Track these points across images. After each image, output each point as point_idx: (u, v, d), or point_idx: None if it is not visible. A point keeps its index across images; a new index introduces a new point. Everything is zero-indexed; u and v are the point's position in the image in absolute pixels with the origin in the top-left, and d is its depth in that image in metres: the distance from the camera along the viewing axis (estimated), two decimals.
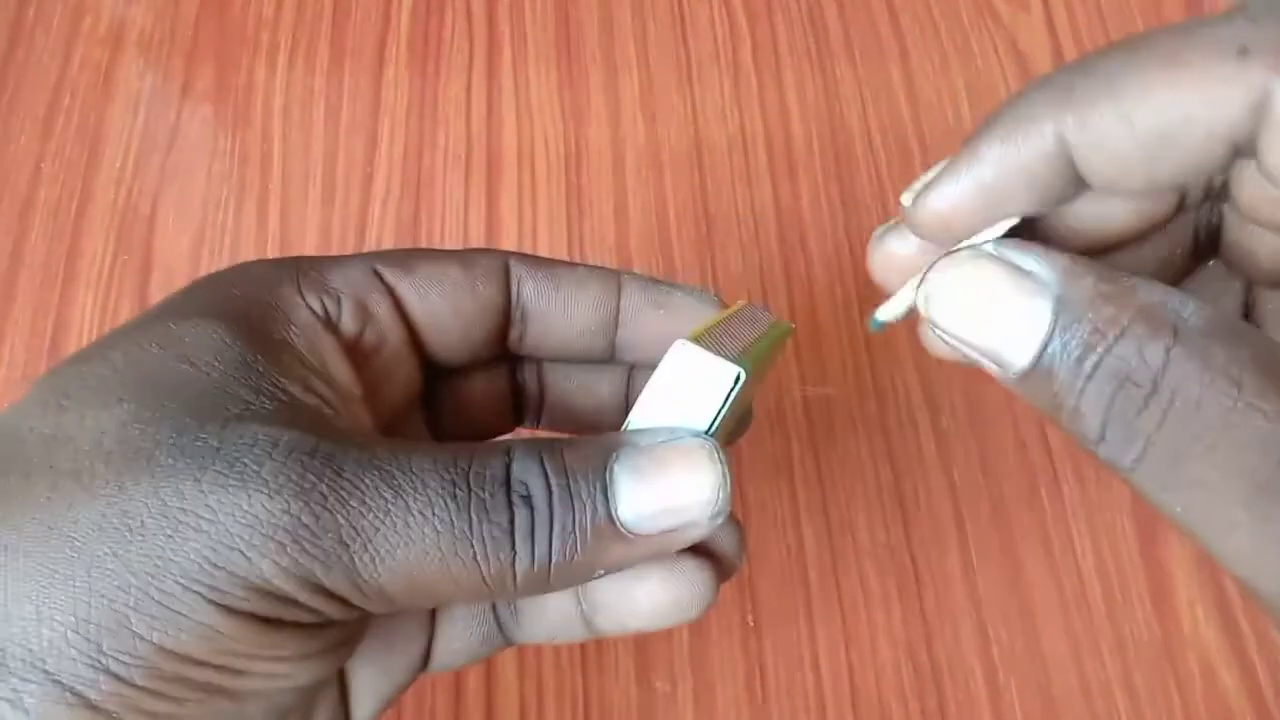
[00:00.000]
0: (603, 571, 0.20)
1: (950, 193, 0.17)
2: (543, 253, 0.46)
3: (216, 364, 0.19)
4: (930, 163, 0.51)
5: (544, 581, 0.19)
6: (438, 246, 0.46)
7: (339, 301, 0.22)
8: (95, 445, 0.18)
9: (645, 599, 0.23)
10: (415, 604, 0.19)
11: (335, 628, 0.20)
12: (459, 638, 0.25)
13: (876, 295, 0.21)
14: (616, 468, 0.19)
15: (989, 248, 0.16)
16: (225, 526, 0.17)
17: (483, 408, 0.27)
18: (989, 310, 0.16)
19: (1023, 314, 0.15)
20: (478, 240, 0.46)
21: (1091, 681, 0.38)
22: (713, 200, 0.47)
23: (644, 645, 0.39)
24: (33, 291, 0.45)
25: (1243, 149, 0.14)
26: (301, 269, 0.23)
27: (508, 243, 0.46)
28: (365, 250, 0.46)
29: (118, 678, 0.17)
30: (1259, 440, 0.14)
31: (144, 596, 0.17)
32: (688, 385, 0.20)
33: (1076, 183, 0.16)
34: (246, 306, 0.21)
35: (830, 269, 0.45)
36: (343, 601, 0.19)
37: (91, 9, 0.52)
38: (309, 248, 0.46)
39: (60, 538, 0.17)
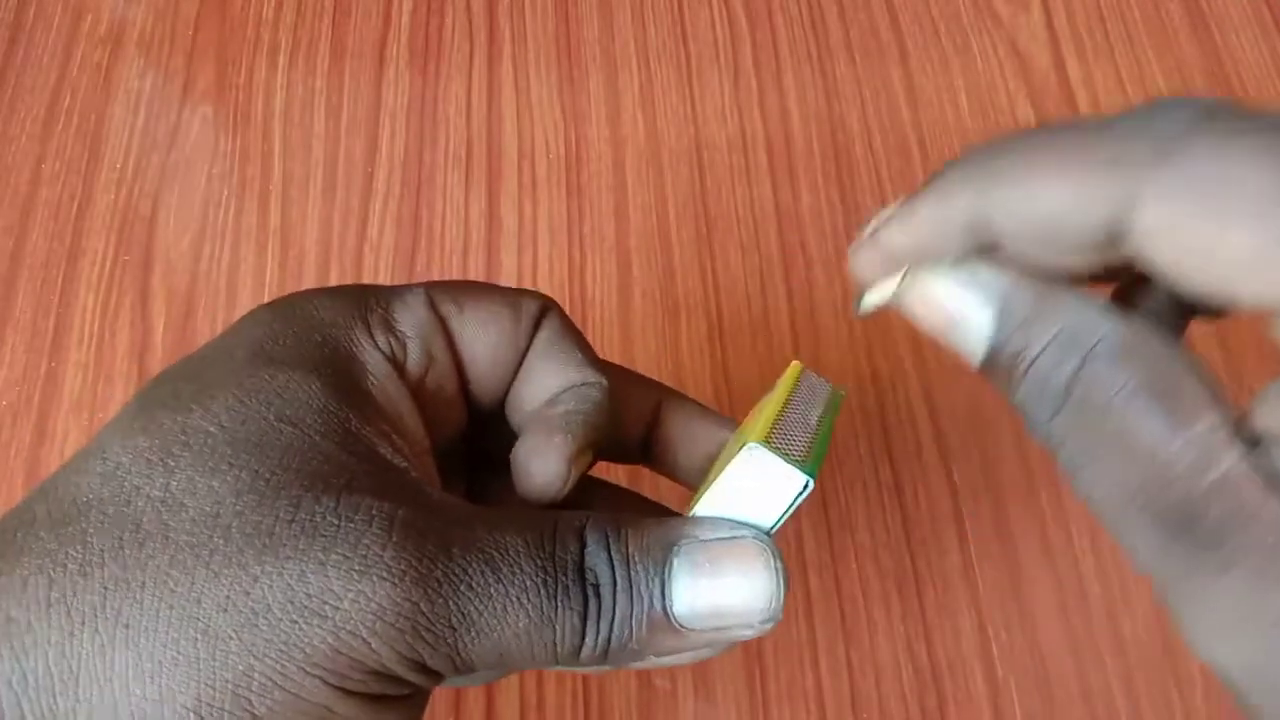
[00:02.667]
0: (654, 657, 0.21)
1: (888, 245, 0.20)
2: (542, 253, 0.46)
3: (318, 424, 0.20)
4: (930, 163, 0.51)
5: (602, 660, 0.20)
6: (437, 244, 0.46)
7: (405, 345, 0.22)
8: (211, 517, 0.18)
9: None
10: (487, 669, 0.20)
11: (422, 694, 0.20)
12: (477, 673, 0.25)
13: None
14: (676, 563, 0.20)
15: (947, 266, 0.19)
16: (350, 614, 0.18)
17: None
18: (947, 317, 0.19)
19: (970, 323, 0.18)
20: (478, 240, 0.46)
21: (1091, 681, 0.38)
22: (713, 200, 0.47)
23: None
24: (33, 291, 0.45)
25: (1118, 238, 0.17)
26: (368, 305, 0.22)
27: (508, 242, 0.46)
28: (365, 248, 0.46)
29: None
30: (1137, 458, 0.16)
31: (267, 681, 0.17)
32: (756, 485, 0.21)
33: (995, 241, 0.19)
34: (330, 355, 0.21)
35: (830, 269, 0.45)
36: (437, 675, 0.19)
37: (92, 9, 0.52)
38: (310, 247, 0.46)
39: (184, 618, 0.17)
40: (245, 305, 0.45)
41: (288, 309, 0.22)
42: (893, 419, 0.43)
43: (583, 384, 0.24)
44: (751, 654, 0.39)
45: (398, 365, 0.22)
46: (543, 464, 0.22)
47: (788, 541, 0.40)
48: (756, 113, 0.49)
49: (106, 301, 0.45)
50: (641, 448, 0.26)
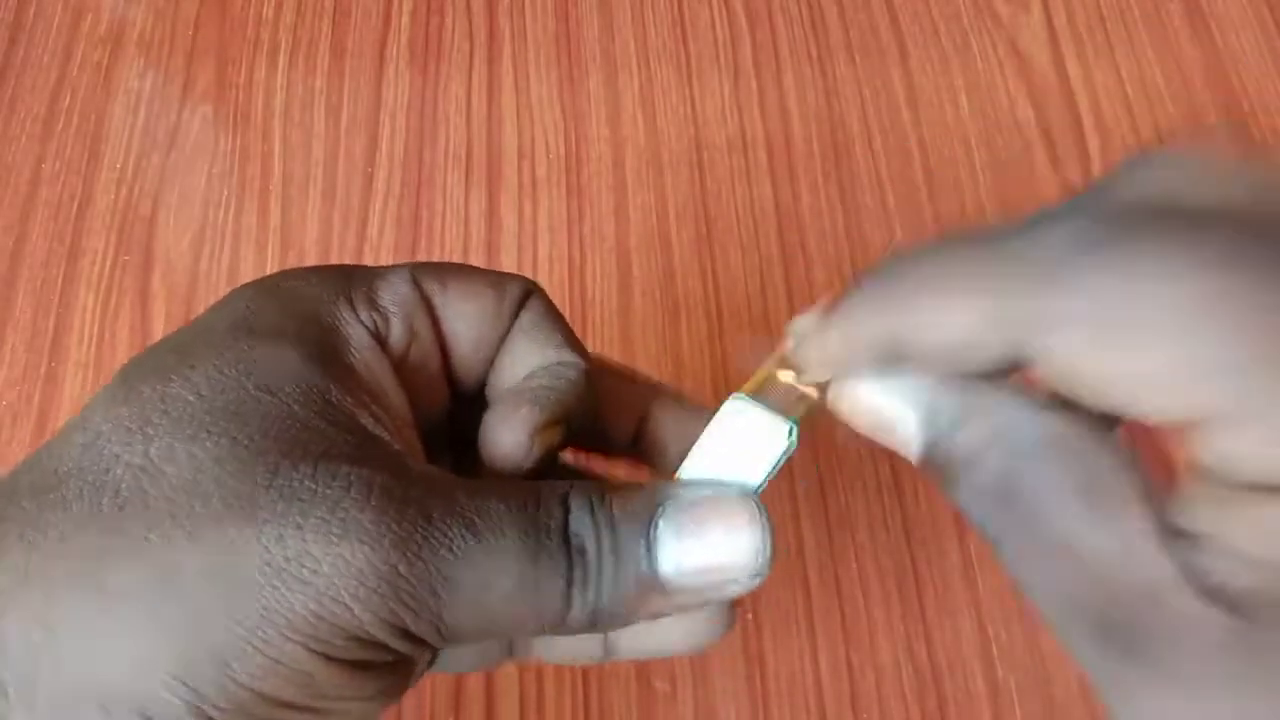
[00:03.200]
0: (642, 619, 0.20)
1: (806, 360, 0.21)
2: (542, 253, 0.46)
3: (296, 393, 0.20)
4: (930, 163, 0.50)
5: (590, 626, 0.20)
6: (438, 244, 0.46)
7: (388, 320, 0.22)
8: (191, 483, 0.18)
9: (661, 632, 0.23)
10: (476, 640, 0.20)
11: (407, 663, 0.20)
12: (470, 651, 0.25)
13: None
14: (661, 524, 0.20)
15: (871, 377, 0.19)
16: (330, 579, 0.18)
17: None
18: (876, 421, 0.19)
19: (899, 426, 0.19)
20: (478, 239, 0.46)
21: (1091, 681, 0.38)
22: (713, 200, 0.47)
23: None
24: (33, 291, 0.45)
25: (1022, 362, 0.17)
26: (352, 283, 0.22)
27: (508, 242, 0.46)
28: (365, 248, 0.46)
29: None
30: (1067, 558, 0.16)
31: (248, 646, 0.17)
32: (741, 441, 0.21)
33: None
34: (311, 327, 0.21)
35: (830, 269, 0.45)
36: (422, 642, 0.19)
37: (92, 9, 0.52)
38: (310, 247, 0.46)
39: (165, 584, 0.17)
40: None
41: (271, 285, 0.22)
42: None
43: (559, 363, 0.24)
44: (752, 654, 0.39)
45: (380, 340, 0.22)
46: (508, 433, 0.22)
47: (787, 542, 0.40)
48: (756, 113, 0.49)
49: (106, 301, 0.45)
50: (633, 443, 0.26)
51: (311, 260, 0.46)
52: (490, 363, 0.24)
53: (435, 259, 0.46)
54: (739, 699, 0.38)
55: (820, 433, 0.42)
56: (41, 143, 0.49)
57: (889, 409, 0.19)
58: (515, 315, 0.24)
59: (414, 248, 0.46)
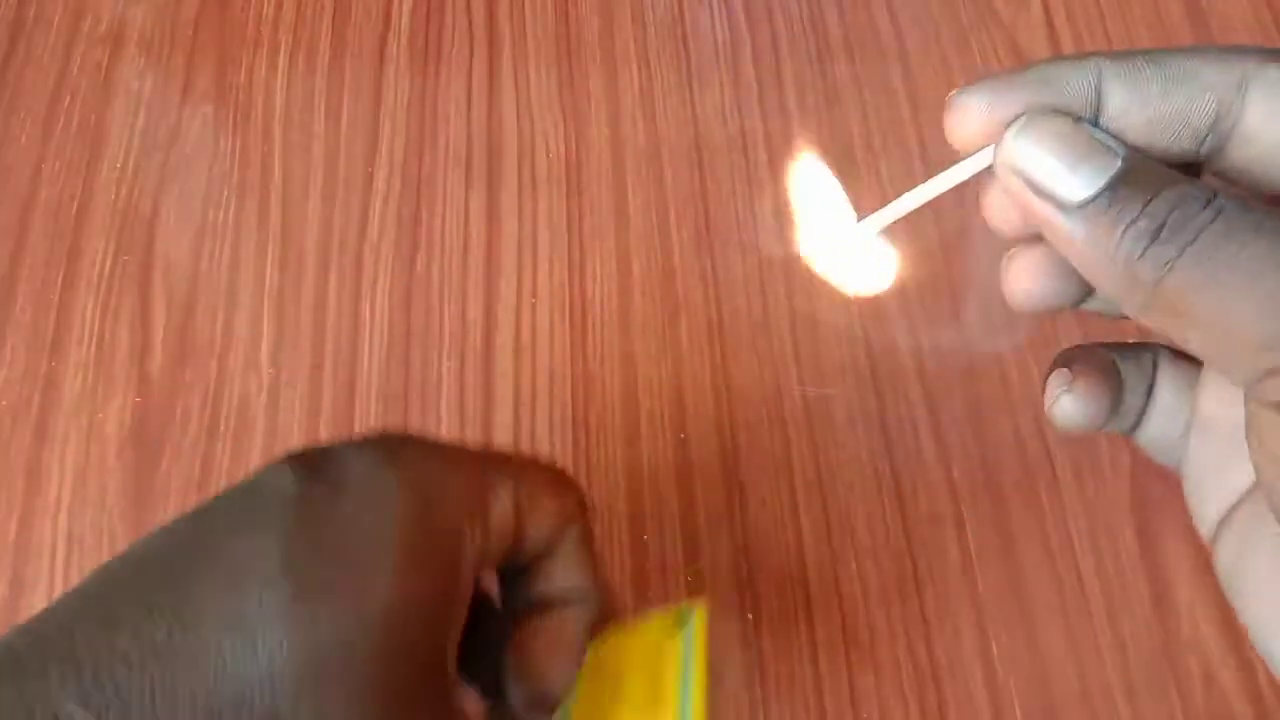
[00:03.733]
0: None
1: (1007, 89, 0.19)
2: (542, 253, 0.46)
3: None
4: (930, 163, 0.50)
5: None
6: (438, 244, 0.46)
7: (489, 544, 0.22)
8: None
9: None
10: None
11: None
12: None
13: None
14: None
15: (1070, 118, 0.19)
16: None
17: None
18: (1058, 161, 0.18)
19: (1096, 158, 0.18)
20: (478, 239, 0.46)
21: (1091, 681, 0.38)
22: (713, 200, 0.47)
23: None
24: (33, 292, 0.45)
25: (1222, 135, 0.18)
26: (471, 499, 0.22)
27: (508, 242, 0.46)
28: (365, 248, 0.46)
29: None
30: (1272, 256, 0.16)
31: None
32: None
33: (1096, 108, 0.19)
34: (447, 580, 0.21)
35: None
36: None
37: (92, 9, 0.52)
38: (309, 248, 0.46)
39: None
40: (246, 305, 0.45)
41: (421, 496, 0.21)
42: (893, 419, 0.43)
43: (585, 591, 0.25)
44: (751, 652, 0.39)
45: (478, 566, 0.22)
46: (542, 685, 0.23)
47: (787, 540, 0.40)
48: (756, 113, 0.49)
49: (107, 301, 0.45)
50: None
51: (312, 260, 0.46)
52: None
53: (435, 259, 0.46)
54: (738, 697, 0.38)
55: (820, 434, 0.42)
56: (42, 143, 0.49)
57: (1087, 148, 0.18)
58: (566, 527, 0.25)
59: (414, 248, 0.46)
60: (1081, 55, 0.19)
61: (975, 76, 0.19)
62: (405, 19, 0.52)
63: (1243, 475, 0.19)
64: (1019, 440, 0.42)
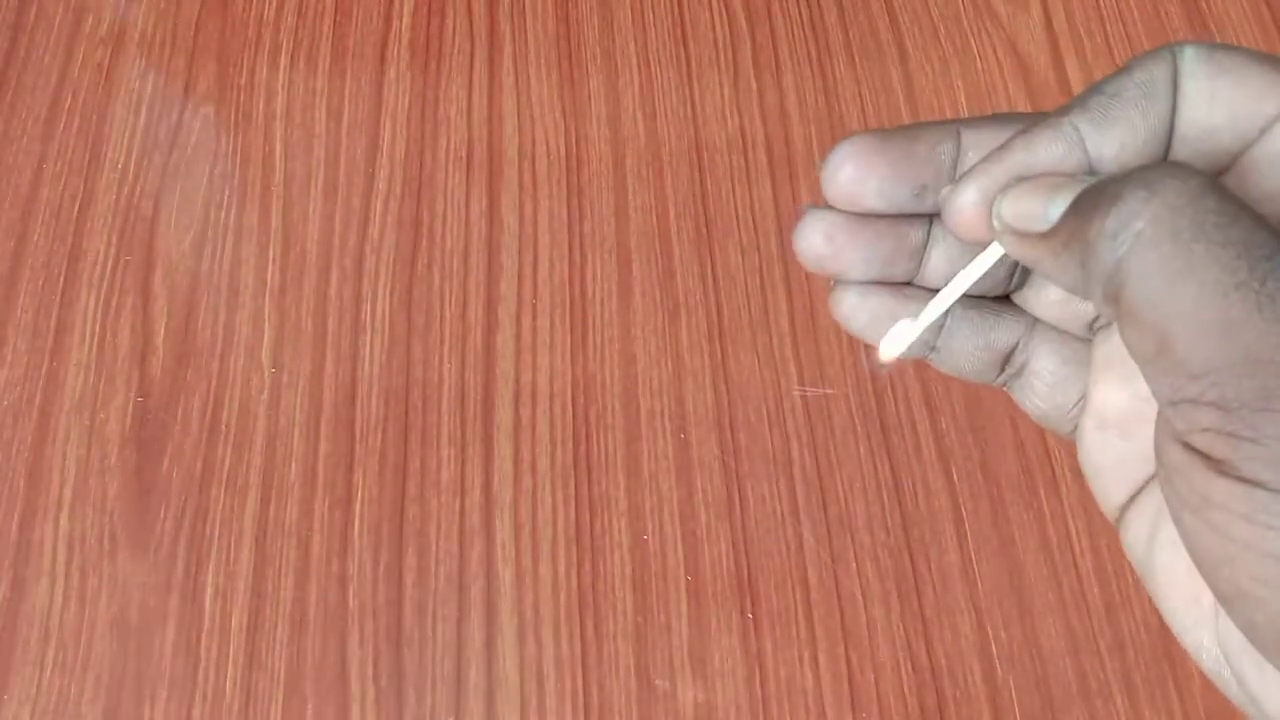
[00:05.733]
0: None
1: (1012, 166, 0.19)
2: (542, 253, 0.46)
3: None
4: None
5: None
6: (438, 244, 0.46)
7: None
8: None
9: None
10: None
11: None
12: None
13: None
14: None
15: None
16: None
17: None
18: (1050, 194, 0.18)
19: (1063, 190, 0.17)
20: (479, 239, 0.47)
21: (1090, 680, 0.38)
22: (713, 200, 0.47)
23: (644, 642, 0.39)
24: (34, 292, 0.45)
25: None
26: None
27: (508, 242, 0.46)
28: (366, 248, 0.46)
29: None
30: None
31: None
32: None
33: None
34: None
35: None
36: None
37: (93, 9, 0.52)
38: (310, 248, 0.46)
39: None
40: (247, 305, 0.45)
41: None
42: (892, 419, 0.43)
43: None
44: (751, 654, 0.39)
45: None
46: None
47: (787, 540, 0.40)
48: (756, 113, 0.49)
49: (108, 301, 0.45)
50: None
51: (313, 260, 0.46)
52: None
53: (436, 259, 0.46)
54: (739, 697, 0.38)
55: (820, 435, 0.42)
56: (43, 143, 0.49)
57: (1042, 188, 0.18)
58: None
59: (415, 248, 0.46)
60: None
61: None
62: (406, 20, 0.52)
63: (1144, 465, 0.19)
64: (1019, 440, 0.42)
